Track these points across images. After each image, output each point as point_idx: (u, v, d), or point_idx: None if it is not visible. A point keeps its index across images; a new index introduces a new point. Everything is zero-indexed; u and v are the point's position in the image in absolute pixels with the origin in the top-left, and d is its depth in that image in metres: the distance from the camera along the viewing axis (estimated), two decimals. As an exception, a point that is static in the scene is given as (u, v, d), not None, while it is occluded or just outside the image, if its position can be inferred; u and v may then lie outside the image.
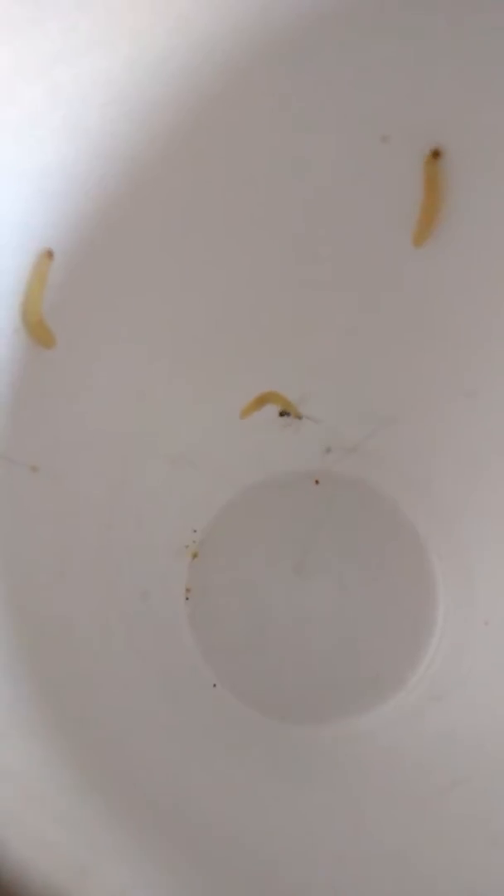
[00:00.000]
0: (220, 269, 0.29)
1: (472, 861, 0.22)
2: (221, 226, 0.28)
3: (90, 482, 0.28)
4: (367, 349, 0.31)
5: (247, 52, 0.24)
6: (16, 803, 0.18)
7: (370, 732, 0.29)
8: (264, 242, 0.28)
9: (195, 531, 0.32)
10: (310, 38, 0.25)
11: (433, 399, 0.31)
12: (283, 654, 0.31)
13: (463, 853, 0.23)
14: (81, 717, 0.23)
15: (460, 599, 0.31)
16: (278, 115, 0.26)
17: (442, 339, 0.30)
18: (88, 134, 0.24)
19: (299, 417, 0.31)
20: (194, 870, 0.20)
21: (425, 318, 0.30)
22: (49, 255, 0.25)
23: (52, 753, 0.21)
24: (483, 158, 0.26)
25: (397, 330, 0.30)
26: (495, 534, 0.31)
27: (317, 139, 0.26)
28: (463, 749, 0.27)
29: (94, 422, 0.28)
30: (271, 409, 0.31)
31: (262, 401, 0.30)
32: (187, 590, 0.31)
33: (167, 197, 0.26)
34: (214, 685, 0.30)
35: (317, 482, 0.33)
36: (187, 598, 0.31)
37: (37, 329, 0.25)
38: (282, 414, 0.31)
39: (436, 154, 0.26)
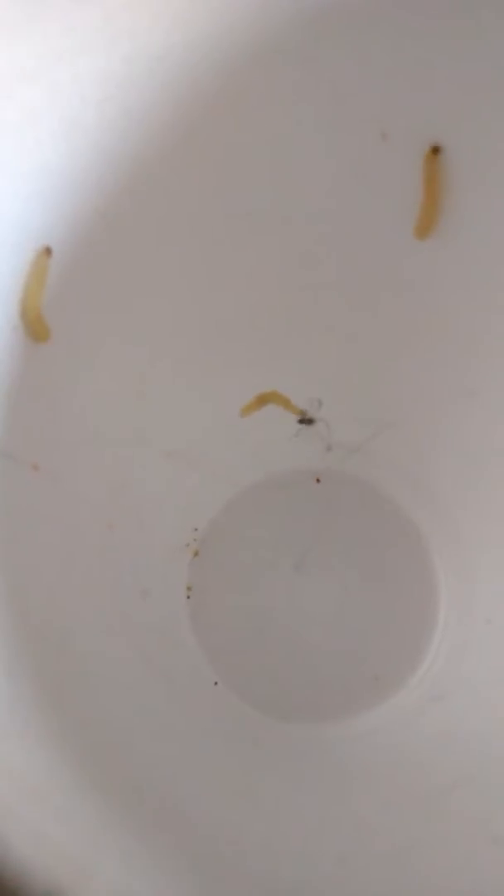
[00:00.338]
0: (220, 269, 0.29)
1: (473, 861, 0.22)
2: (220, 225, 0.28)
3: (91, 481, 0.28)
4: (368, 349, 0.31)
5: (245, 51, 0.24)
6: (16, 802, 0.18)
7: (371, 731, 0.29)
8: (264, 241, 0.28)
9: (196, 529, 0.32)
10: (309, 36, 0.25)
11: (435, 398, 0.31)
12: (284, 653, 0.31)
13: (464, 853, 0.22)
14: (82, 716, 0.23)
15: (462, 598, 0.31)
16: (277, 114, 0.26)
17: (443, 338, 0.30)
18: (87, 133, 0.24)
19: (311, 421, 0.31)
20: (195, 869, 0.20)
21: (426, 317, 0.30)
22: (47, 251, 0.25)
23: (52, 752, 0.21)
24: (483, 155, 0.26)
25: (398, 330, 0.30)
26: (497, 533, 0.30)
27: (316, 137, 0.26)
28: (464, 749, 0.27)
29: (95, 420, 0.28)
30: (272, 409, 0.31)
31: (262, 400, 0.30)
32: (188, 588, 0.31)
33: (166, 196, 0.26)
34: (215, 683, 0.30)
35: (318, 481, 0.33)
36: (188, 597, 0.31)
37: (35, 324, 0.25)
38: (301, 422, 0.31)
39: (435, 150, 0.26)
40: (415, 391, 0.31)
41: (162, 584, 0.31)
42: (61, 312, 0.26)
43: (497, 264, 0.28)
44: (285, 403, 0.31)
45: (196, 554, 0.32)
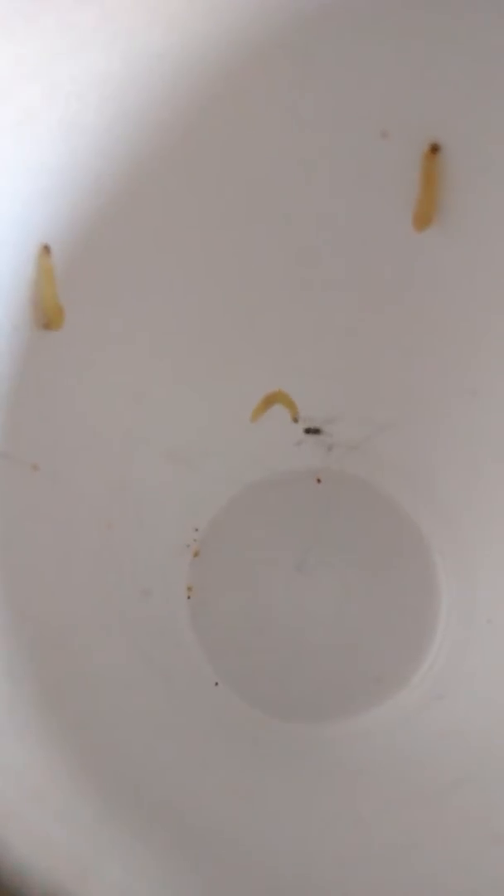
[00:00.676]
0: (219, 267, 0.29)
1: (474, 860, 0.22)
2: (220, 224, 0.28)
3: (91, 481, 0.28)
4: (369, 348, 0.31)
5: (245, 49, 0.24)
6: (16, 802, 0.18)
7: (372, 731, 0.29)
8: (263, 239, 0.28)
9: (196, 529, 0.32)
10: (308, 34, 0.25)
11: (435, 397, 0.31)
12: (285, 653, 0.31)
13: (465, 852, 0.22)
14: (82, 716, 0.23)
15: (463, 597, 0.31)
16: (277, 112, 0.26)
17: (444, 338, 0.30)
18: (86, 132, 0.24)
19: (317, 431, 0.31)
20: (195, 869, 0.20)
21: (426, 316, 0.30)
22: (46, 249, 0.25)
23: (52, 752, 0.21)
24: (483, 154, 0.26)
25: (398, 329, 0.30)
26: (498, 532, 0.30)
27: (316, 136, 0.26)
28: (465, 748, 0.27)
29: (95, 420, 0.28)
30: (273, 409, 0.31)
31: (269, 401, 0.30)
32: (189, 588, 0.31)
33: (165, 195, 0.26)
34: (216, 684, 0.30)
35: (319, 481, 0.33)
36: (189, 597, 0.31)
37: (52, 312, 0.25)
38: (307, 431, 0.31)
39: (434, 149, 0.26)
40: (416, 390, 0.31)
41: (162, 584, 0.31)
42: (63, 318, 0.26)
43: (497, 262, 0.28)
44: (290, 404, 0.31)
45: (196, 554, 0.32)
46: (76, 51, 0.23)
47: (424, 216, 0.27)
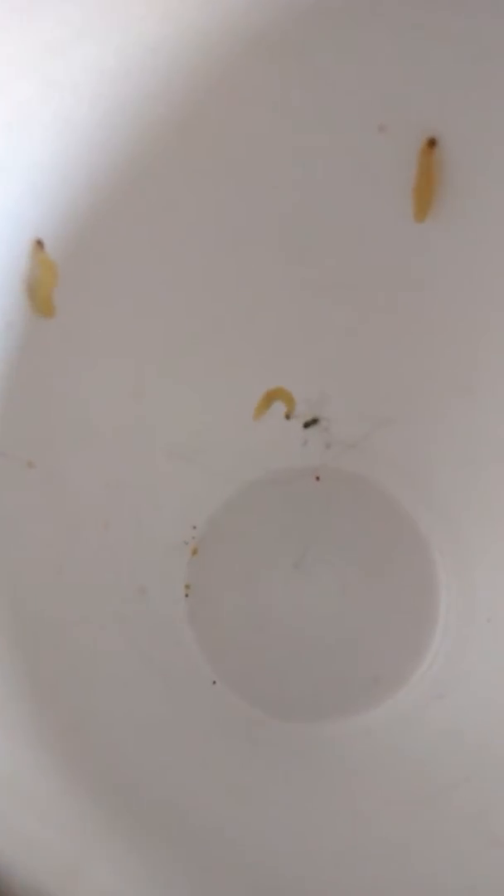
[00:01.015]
0: (217, 264, 0.28)
1: (474, 860, 0.22)
2: (216, 218, 0.28)
3: (88, 478, 0.28)
4: (368, 345, 0.31)
5: (241, 43, 0.24)
6: (4, 802, 0.18)
7: (371, 731, 0.29)
8: (261, 236, 0.28)
9: (195, 527, 0.32)
10: (305, 29, 0.24)
11: (434, 394, 0.31)
12: (284, 652, 0.30)
13: (464, 852, 0.22)
14: (77, 715, 0.23)
15: (462, 596, 0.31)
16: (273, 107, 0.26)
17: (442, 335, 0.30)
18: (79, 127, 0.24)
19: (314, 421, 0.31)
20: (189, 870, 0.20)
21: (425, 313, 0.29)
22: (39, 244, 0.25)
23: (45, 751, 0.21)
24: (480, 148, 0.26)
25: (397, 326, 0.30)
26: (498, 530, 0.30)
27: (313, 130, 0.26)
28: (465, 747, 0.26)
29: (92, 417, 0.28)
30: (272, 407, 0.31)
31: (270, 398, 0.30)
32: (186, 586, 0.31)
33: (160, 190, 0.26)
34: (214, 682, 0.30)
35: (317, 478, 0.32)
36: (187, 595, 0.31)
37: (42, 302, 0.25)
38: (306, 425, 0.31)
39: (431, 143, 0.26)
40: (414, 388, 0.31)
41: (160, 582, 0.30)
42: (56, 308, 0.26)
43: (496, 259, 0.27)
44: (290, 400, 0.31)
45: (195, 552, 0.32)
46: (70, 45, 0.23)
47: (421, 211, 0.27)
